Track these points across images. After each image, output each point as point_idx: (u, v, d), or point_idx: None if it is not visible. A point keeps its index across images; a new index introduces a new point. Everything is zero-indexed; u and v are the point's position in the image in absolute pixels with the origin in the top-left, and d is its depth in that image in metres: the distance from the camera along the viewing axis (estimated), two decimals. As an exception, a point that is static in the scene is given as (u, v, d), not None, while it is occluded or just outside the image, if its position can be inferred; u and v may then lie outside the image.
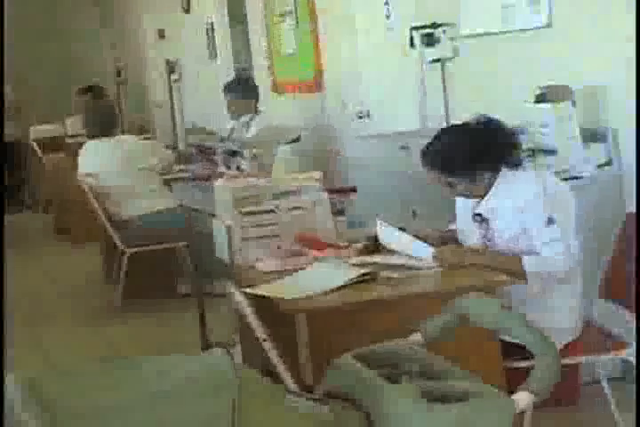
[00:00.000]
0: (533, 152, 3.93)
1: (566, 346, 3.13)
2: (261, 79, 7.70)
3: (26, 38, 12.38)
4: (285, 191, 3.41)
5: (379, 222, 3.23)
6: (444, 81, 5.02)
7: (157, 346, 4.87)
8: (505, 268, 3.00)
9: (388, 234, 3.20)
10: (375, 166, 4.36)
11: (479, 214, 3.16)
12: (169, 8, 9.86)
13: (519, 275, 3.01)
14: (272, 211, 3.39)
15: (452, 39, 4.90)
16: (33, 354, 5.05)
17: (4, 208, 4.58)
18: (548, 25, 4.13)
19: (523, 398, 1.47)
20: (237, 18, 8.30)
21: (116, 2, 12.30)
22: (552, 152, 3.92)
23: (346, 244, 3.36)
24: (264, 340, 2.36)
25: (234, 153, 4.79)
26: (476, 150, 3.06)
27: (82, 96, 10.72)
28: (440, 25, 4.93)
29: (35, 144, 9.29)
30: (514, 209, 3.07)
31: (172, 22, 9.95)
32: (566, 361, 3.09)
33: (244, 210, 3.36)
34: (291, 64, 7.06)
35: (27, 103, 11.26)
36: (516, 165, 3.11)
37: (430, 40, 4.99)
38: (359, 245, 3.34)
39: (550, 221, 3.02)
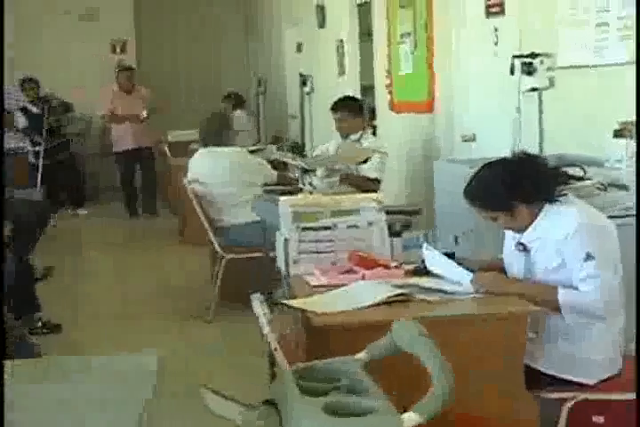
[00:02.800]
0: (605, 186, 3.95)
1: (603, 380, 3.15)
2: (381, 98, 7.89)
3: (177, 45, 12.94)
4: (344, 210, 3.55)
5: (425, 246, 3.34)
6: (539, 110, 5.06)
7: (233, 348, 5.10)
8: (541, 298, 3.06)
9: (433, 259, 3.31)
10: (451, 190, 4.45)
11: (522, 244, 3.22)
12: (307, 22, 10.14)
13: (554, 306, 3.06)
14: (329, 228, 3.53)
15: (549, 69, 4.93)
16: (119, 347, 5.37)
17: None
18: (633, 61, 4.13)
19: (410, 418, 1.59)
20: (366, 36, 8.49)
21: (261, 14, 12.70)
22: (623, 187, 3.94)
23: (396, 264, 3.47)
24: (275, 349, 2.50)
25: (306, 170, 4.97)
26: (511, 187, 3.11)
27: (225, 102, 11.19)
28: (538, 55, 4.97)
29: (166, 148, 9.72)
30: (555, 242, 3.11)
31: (309, 37, 10.23)
32: (599, 396, 3.13)
33: (302, 225, 3.52)
34: (407, 84, 7.20)
35: (172, 108, 11.75)
36: (555, 200, 3.15)
37: (529, 69, 5.03)
38: (409, 267, 3.45)
39: (588, 256, 3.05)
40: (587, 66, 4.55)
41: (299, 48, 10.82)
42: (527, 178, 3.13)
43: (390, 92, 7.58)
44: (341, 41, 8.90)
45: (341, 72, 9.04)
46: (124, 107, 10.35)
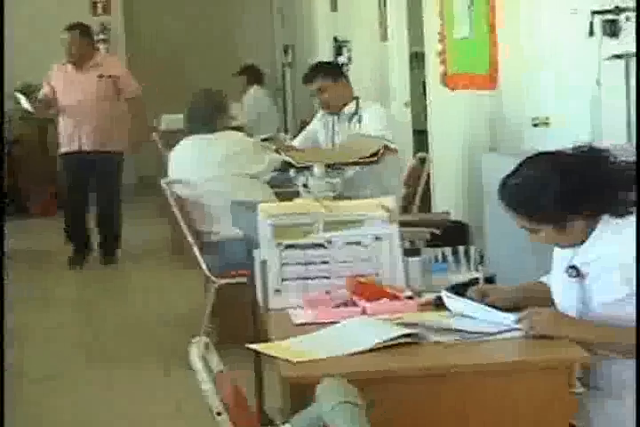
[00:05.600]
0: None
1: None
2: (432, 69, 7.79)
3: (179, 3, 12.96)
4: (342, 220, 3.46)
5: (443, 293, 3.29)
6: (626, 83, 4.92)
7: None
8: (620, 344, 3.00)
9: (458, 305, 3.25)
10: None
11: (574, 267, 3.10)
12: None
13: (631, 353, 2.97)
14: (322, 245, 3.45)
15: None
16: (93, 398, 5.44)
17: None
18: None
19: None
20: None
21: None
22: None
23: (410, 294, 3.38)
24: (218, 413, 2.44)
25: (299, 168, 4.87)
26: (566, 195, 3.01)
27: (238, 77, 11.18)
28: (624, 9, 4.84)
29: (158, 138, 9.69)
30: (619, 266, 3.00)
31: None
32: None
33: (285, 242, 3.44)
34: (464, 52, 7.08)
35: (171, 86, 11.75)
36: (623, 214, 3.04)
37: (612, 29, 4.91)
38: (429, 297, 3.35)
39: (671, 280, 2.95)
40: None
41: (333, 5, 10.76)
42: (589, 184, 3.02)
43: (443, 62, 7.47)
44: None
45: (384, 36, 8.96)
46: (70, 88, 8.66)
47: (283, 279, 3.47)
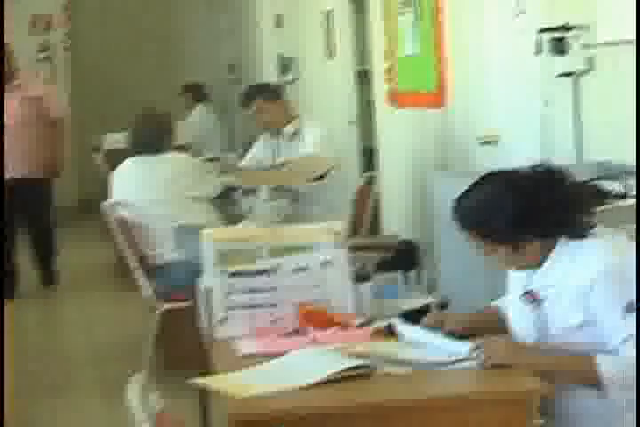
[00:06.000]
0: None
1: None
2: (379, 87, 7.74)
3: (123, 22, 12.84)
4: (289, 247, 3.37)
5: (395, 321, 3.22)
6: (575, 101, 4.89)
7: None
8: (576, 372, 2.92)
9: (410, 334, 3.17)
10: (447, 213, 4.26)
11: (530, 293, 3.03)
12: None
13: (590, 381, 2.89)
14: (268, 272, 3.35)
15: (587, 47, 4.77)
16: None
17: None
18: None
19: None
20: (360, 4, 8.30)
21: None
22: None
23: (360, 322, 3.31)
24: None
25: (244, 191, 4.79)
26: (521, 212, 2.95)
27: (182, 96, 11.12)
28: (572, 28, 4.81)
29: (100, 158, 9.58)
30: (575, 291, 2.93)
31: (290, 6, 10.14)
32: None
33: (230, 269, 3.33)
34: (410, 70, 7.04)
35: (114, 105, 11.63)
36: (579, 235, 2.97)
37: (560, 47, 4.89)
38: (378, 326, 3.27)
39: (629, 308, 2.87)
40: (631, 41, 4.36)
41: (278, 21, 10.70)
42: (545, 204, 2.96)
43: (390, 80, 7.42)
44: (328, 12, 8.78)
45: (330, 53, 8.91)
46: None
47: (228, 308, 3.37)
